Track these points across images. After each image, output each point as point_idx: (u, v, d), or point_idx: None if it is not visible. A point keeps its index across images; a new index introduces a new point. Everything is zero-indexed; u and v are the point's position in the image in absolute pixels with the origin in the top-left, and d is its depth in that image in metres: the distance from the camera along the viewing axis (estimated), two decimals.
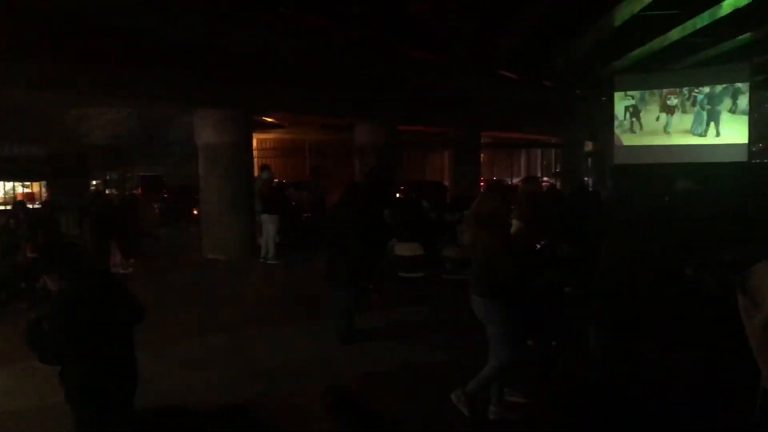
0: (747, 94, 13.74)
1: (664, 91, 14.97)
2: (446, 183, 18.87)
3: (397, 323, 6.52)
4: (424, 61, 14.51)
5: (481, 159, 19.18)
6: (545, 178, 26.00)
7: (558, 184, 21.50)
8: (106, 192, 12.66)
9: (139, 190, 17.33)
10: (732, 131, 13.94)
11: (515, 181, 22.59)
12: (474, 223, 4.29)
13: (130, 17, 8.78)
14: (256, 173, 11.53)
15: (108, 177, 17.77)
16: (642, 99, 15.35)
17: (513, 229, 4.72)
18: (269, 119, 15.94)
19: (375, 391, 4.67)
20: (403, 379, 5.01)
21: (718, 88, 14.25)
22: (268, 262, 10.30)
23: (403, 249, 7.23)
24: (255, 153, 18.25)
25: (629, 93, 15.51)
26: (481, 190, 16.17)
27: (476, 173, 17.30)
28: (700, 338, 4.26)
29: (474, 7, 11.96)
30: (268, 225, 10.40)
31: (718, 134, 14.17)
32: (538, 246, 5.86)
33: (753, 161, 15.80)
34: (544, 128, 20.51)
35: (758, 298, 2.58)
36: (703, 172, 11.51)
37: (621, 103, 15.66)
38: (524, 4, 12.08)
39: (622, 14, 13.16)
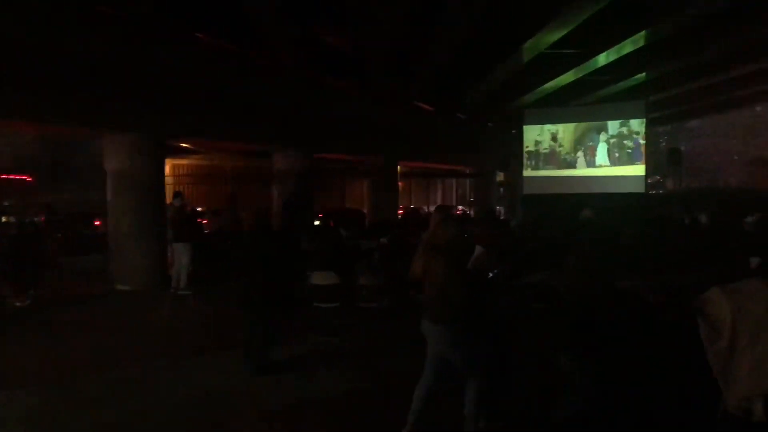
0: (643, 130, 14.66)
1: (571, 125, 15.74)
2: (365, 211, 18.94)
3: (310, 353, 6.39)
4: (341, 90, 14.61)
5: (399, 187, 19.42)
6: (459, 207, 26.65)
7: (471, 213, 22.07)
8: (3, 220, 11.84)
9: (42, 218, 16.28)
10: (630, 164, 14.80)
11: (431, 209, 23.07)
12: (428, 250, 4.27)
13: (26, 33, 8.28)
14: (169, 200, 11.14)
15: (7, 204, 16.64)
16: (547, 132, 16.09)
17: (476, 254, 4.66)
18: (185, 145, 15.48)
19: (291, 423, 4.52)
20: (315, 410, 4.89)
21: (617, 123, 15.13)
22: (180, 292, 9.88)
23: (319, 278, 7.11)
24: (170, 179, 17.83)
25: (537, 126, 16.22)
26: (399, 217, 16.35)
27: (394, 201, 17.48)
28: (660, 360, 4.31)
29: (387, 41, 12.18)
30: (181, 254, 10.01)
31: (615, 168, 15.01)
32: (491, 274, 5.93)
33: (650, 192, 16.84)
34: (459, 159, 21.10)
35: (718, 324, 2.73)
36: (606, 202, 12.14)
37: (530, 135, 16.31)
38: (435, 41, 12.41)
39: (529, 52, 13.76)
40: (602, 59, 14.94)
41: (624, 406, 4.09)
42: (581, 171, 15.56)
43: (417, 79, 15.10)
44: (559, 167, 15.93)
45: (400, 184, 20.02)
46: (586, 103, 18.08)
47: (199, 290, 9.89)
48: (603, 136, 15.26)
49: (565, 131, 15.89)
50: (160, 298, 9.59)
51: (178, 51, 10.51)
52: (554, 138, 15.96)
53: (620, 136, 14.98)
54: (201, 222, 12.44)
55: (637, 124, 14.81)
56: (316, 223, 14.49)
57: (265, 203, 14.15)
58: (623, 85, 17.26)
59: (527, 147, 16.34)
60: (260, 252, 5.67)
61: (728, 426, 2.78)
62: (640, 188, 14.52)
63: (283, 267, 5.77)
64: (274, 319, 5.83)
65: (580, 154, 15.59)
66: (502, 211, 22.23)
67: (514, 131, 21.58)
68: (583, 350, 3.98)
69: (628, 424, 4.13)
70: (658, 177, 37.83)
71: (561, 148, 15.91)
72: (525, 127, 16.37)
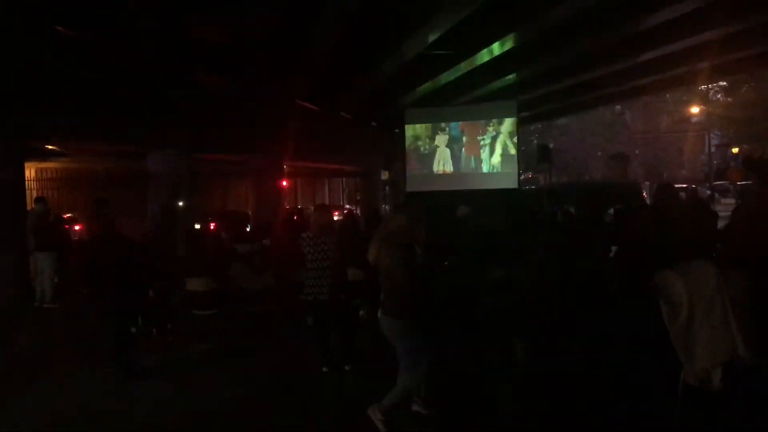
0: (514, 128, 15.35)
1: (450, 124, 16.21)
2: (250, 213, 18.46)
3: (182, 362, 6.12)
4: (219, 87, 14.14)
5: (285, 187, 19.13)
6: (347, 206, 26.76)
7: (358, 211, 22.20)
8: None
9: None
10: (503, 162, 15.46)
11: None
12: (380, 240, 4.27)
13: None
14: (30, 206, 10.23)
15: None
16: (429, 131, 16.46)
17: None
18: (50, 147, 14.29)
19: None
20: (185, 419, 4.65)
21: (492, 122, 15.76)
22: (45, 306, 9.09)
23: (195, 284, 6.79)
24: (33, 184, 16.40)
25: (417, 125, 16.54)
26: (284, 216, 16.06)
27: (278, 202, 17.17)
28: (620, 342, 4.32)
29: (265, 37, 11.92)
30: (44, 264, 9.21)
31: (491, 165, 15.63)
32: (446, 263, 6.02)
33: (522, 188, 17.69)
34: (345, 158, 21.13)
35: (676, 304, 2.97)
36: (483, 198, 12.60)
37: (411, 134, 16.60)
38: (314, 39, 12.32)
39: (408, 52, 14.03)
40: (477, 60, 15.53)
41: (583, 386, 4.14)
42: (459, 168, 16.05)
43: (298, 78, 14.94)
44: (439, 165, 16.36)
45: (285, 183, 19.72)
46: (464, 103, 18.69)
47: (68, 303, 9.14)
48: (479, 134, 15.81)
49: (442, 131, 16.34)
50: (22, 312, 8.79)
51: (36, 45, 9.63)
52: (433, 137, 16.36)
53: (493, 135, 15.60)
54: (68, 229, 11.56)
55: (510, 123, 15.47)
56: (197, 226, 13.95)
57: (140, 207, 13.41)
58: (496, 85, 18.03)
59: (409, 146, 16.61)
60: (109, 259, 5.41)
61: (690, 398, 3.00)
62: (514, 184, 15.20)
63: (136, 274, 5.53)
64: (128, 328, 5.57)
65: (456, 152, 16.08)
66: (388, 209, 22.55)
67: (396, 130, 21.93)
68: (543, 337, 4.03)
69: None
70: (530, 173, 40.06)
71: (439, 147, 16.35)
72: (407, 126, 16.61)
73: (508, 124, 15.41)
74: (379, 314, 4.28)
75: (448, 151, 16.15)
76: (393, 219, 4.43)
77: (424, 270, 4.41)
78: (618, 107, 38.86)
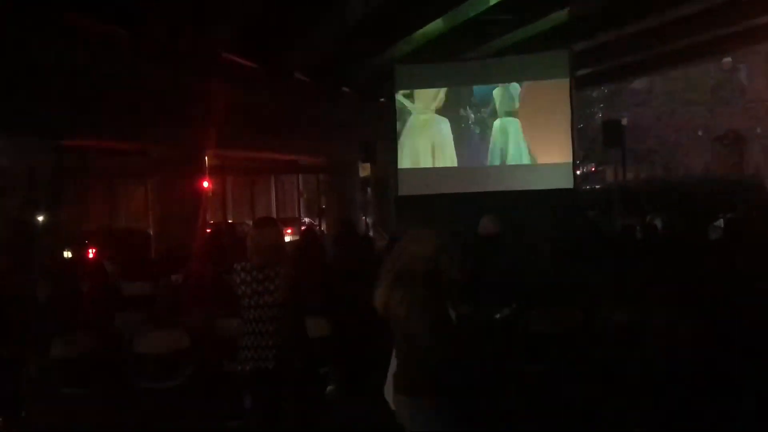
0: (567, 95, 15.41)
1: (466, 89, 16.27)
2: (151, 231, 18.36)
3: None
4: (103, 39, 14.14)
5: (208, 191, 19.02)
6: (305, 219, 26.73)
7: (323, 227, 22.18)
8: None
9: None
10: (550, 147, 15.52)
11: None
12: (389, 277, 4.29)
13: None
14: None
15: None
16: (433, 100, 16.50)
17: None
18: None
19: None
20: None
21: (531, 85, 15.82)
22: None
23: (61, 347, 6.70)
24: None
25: (417, 92, 16.57)
26: (206, 236, 15.97)
27: (196, 214, 17.06)
28: None
29: None
30: None
31: (530, 154, 15.69)
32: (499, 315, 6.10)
33: (581, 188, 17.79)
34: (300, 144, 21.09)
35: None
36: (516, 205, 12.65)
37: (406, 106, 16.61)
38: None
39: None
40: None
41: None
42: (479, 160, 16.11)
43: (222, 21, 14.93)
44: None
45: (207, 185, 19.62)
46: (484, 57, 18.75)
47: None
48: (510, 105, 15.87)
49: (455, 98, 16.36)
50: None
51: None
52: (439, 109, 16.39)
53: (536, 103, 15.66)
54: None
55: (560, 86, 15.53)
56: (67, 254, 13.87)
57: None
58: (535, 28, 18.10)
59: (402, 124, 16.62)
60: None
61: None
62: (568, 182, 15.27)
63: None
64: None
65: (477, 133, 16.13)
66: (371, 223, 22.50)
67: (381, 100, 21.90)
68: None
69: None
70: (592, 165, 40.22)
71: (450, 126, 16.37)
72: (398, 95, 16.63)
73: (556, 88, 15.48)
74: (387, 392, 4.30)
75: (464, 132, 16.21)
76: (413, 243, 4.37)
77: (462, 324, 4.42)
78: (728, 60, 38.93)
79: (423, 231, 4.45)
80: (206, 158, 18.18)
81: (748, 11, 19.34)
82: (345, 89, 22.37)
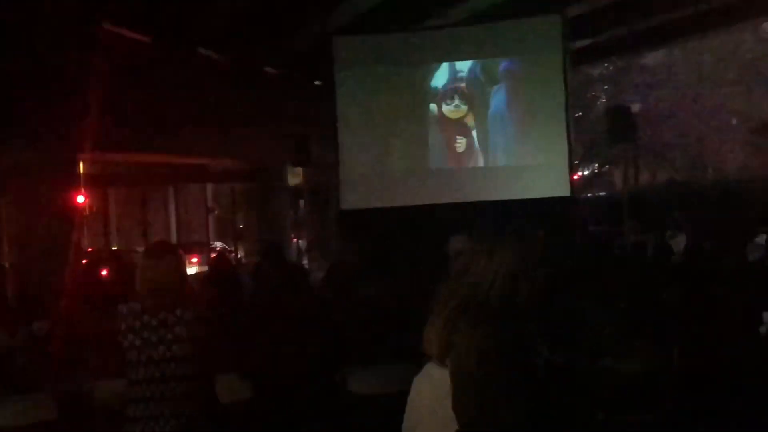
0: (561, 73, 15.51)
1: (430, 66, 16.31)
2: (7, 263, 18.11)
3: None
4: None
5: (82, 208, 18.83)
6: (216, 243, 26.53)
7: (241, 254, 22.02)
8: None
9: None
10: (539, 143, 15.61)
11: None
12: (446, 312, 4.02)
13: None
14: None
15: None
16: (385, 81, 16.52)
17: None
18: None
19: None
20: None
21: (516, 61, 15.91)
22: None
23: None
24: None
25: (363, 71, 16.58)
26: (81, 269, 15.79)
27: (66, 237, 16.88)
28: None
29: None
30: None
31: (514, 152, 15.77)
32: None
33: (580, 196, 17.86)
34: (208, 143, 20.93)
35: None
36: (497, 220, 12.68)
37: (351, 90, 16.60)
38: None
39: None
40: None
41: None
42: (450, 161, 16.15)
43: None
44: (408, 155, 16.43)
45: (83, 199, 19.43)
46: (452, 24, 18.81)
47: None
48: (487, 88, 15.94)
49: (415, 80, 16.40)
50: None
51: None
52: (394, 94, 16.41)
53: (519, 86, 15.75)
54: None
55: (552, 63, 15.63)
56: None
57: None
58: None
59: (345, 114, 16.62)
60: None
61: None
62: (562, 188, 15.34)
63: None
64: None
65: (445, 126, 16.17)
66: (304, 246, 22.43)
67: (317, 83, 21.87)
68: None
69: None
70: (595, 165, 40.46)
71: (407, 117, 16.40)
72: (340, 76, 16.63)
73: (546, 65, 15.60)
74: None
75: (428, 125, 16.26)
76: (483, 257, 4.22)
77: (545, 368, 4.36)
78: (767, 24, 38.91)
79: (495, 238, 4.26)
80: (81, 164, 18.00)
81: None
82: (268, 69, 22.32)
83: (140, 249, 25.05)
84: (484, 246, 4.11)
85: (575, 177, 17.11)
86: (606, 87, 42.72)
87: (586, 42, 24.31)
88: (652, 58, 40.53)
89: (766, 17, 32.86)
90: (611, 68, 40.87)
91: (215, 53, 20.33)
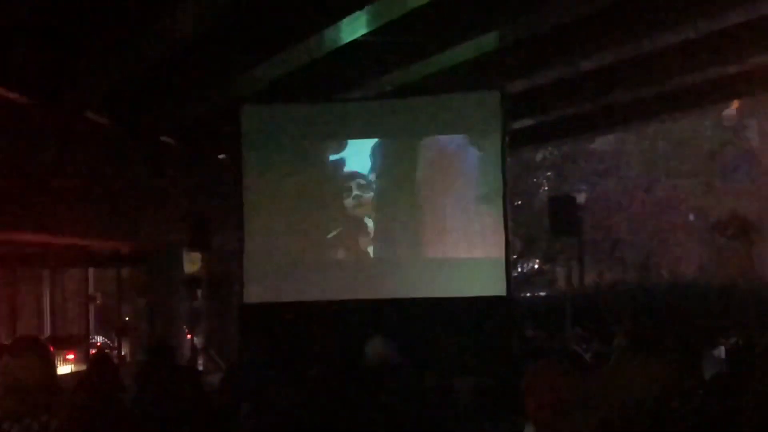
0: (498, 158, 15.61)
1: (348, 144, 16.37)
2: None
3: None
4: None
5: None
6: (98, 338, 26.15)
7: (125, 352, 21.76)
8: None
9: None
10: (472, 234, 15.68)
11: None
12: None
13: None
14: None
15: None
16: (300, 158, 16.53)
17: None
18: None
19: None
20: None
21: (453, 142, 16.02)
22: None
23: None
24: None
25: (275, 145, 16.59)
26: None
27: None
28: None
29: None
30: None
31: (444, 243, 15.82)
32: None
33: (518, 296, 17.84)
34: (90, 221, 20.74)
35: None
36: (422, 321, 12.71)
37: (260, 166, 16.56)
38: None
39: None
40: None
41: None
42: (376, 247, 16.18)
43: None
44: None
45: None
46: (377, 96, 18.93)
47: None
48: (411, 169, 16.01)
49: (332, 155, 16.45)
50: None
51: None
52: (312, 171, 16.45)
53: (450, 169, 15.85)
54: None
55: (491, 145, 15.73)
56: None
57: None
58: (452, 57, 18.36)
59: (253, 193, 16.58)
60: None
61: None
62: (498, 287, 15.38)
63: None
64: None
65: (363, 208, 16.19)
66: (199, 344, 22.24)
67: (222, 156, 21.84)
68: None
69: None
70: (536, 262, 40.73)
71: (325, 199, 16.43)
72: (247, 149, 16.61)
73: (482, 146, 15.74)
74: None
75: (343, 207, 16.28)
76: (626, 372, 4.16)
77: None
78: (731, 112, 38.18)
79: (633, 349, 4.15)
80: None
81: (760, 42, 19.67)
82: (165, 139, 22.25)
83: (7, 342, 24.71)
84: (622, 363, 4.11)
85: (514, 273, 17.21)
86: (549, 174, 43.10)
87: (528, 122, 24.58)
88: (602, 143, 41.08)
89: (728, 103, 33.25)
90: (556, 153, 41.33)
91: (104, 117, 20.16)
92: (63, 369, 20.49)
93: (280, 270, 16.26)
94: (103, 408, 6.65)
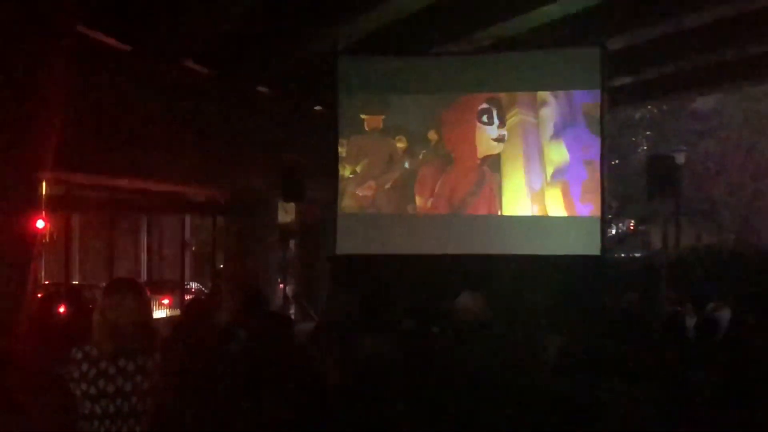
0: (596, 116, 15.46)
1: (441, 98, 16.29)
2: None
3: None
4: None
5: (43, 233, 18.75)
6: (192, 284, 26.37)
7: (218, 298, 21.92)
8: None
9: None
10: (567, 192, 15.53)
11: None
12: None
13: None
14: None
15: None
16: (398, 112, 16.48)
17: None
18: None
19: None
20: None
21: (547, 98, 15.85)
22: None
23: None
24: None
25: (370, 98, 16.56)
26: (36, 305, 15.68)
27: (21, 268, 16.80)
28: None
29: None
30: None
31: (536, 202, 15.71)
32: None
33: (609, 256, 17.64)
34: (187, 170, 20.80)
35: None
36: (514, 278, 12.65)
37: (356, 116, 16.53)
38: None
39: None
40: None
41: None
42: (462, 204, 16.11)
43: None
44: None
45: (43, 225, 19.41)
46: (476, 51, 18.82)
47: None
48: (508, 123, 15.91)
49: (428, 111, 16.37)
50: None
51: None
52: (405, 127, 16.39)
53: (548, 124, 15.70)
54: None
55: (588, 103, 15.57)
56: None
57: None
58: (549, 13, 18.17)
59: (348, 143, 16.57)
60: None
61: None
62: (592, 246, 15.26)
63: None
64: None
65: (458, 167, 16.10)
66: (290, 293, 22.33)
67: (318, 108, 21.86)
68: None
69: None
70: (630, 222, 40.25)
71: (421, 153, 16.37)
72: (343, 100, 16.58)
73: (580, 103, 15.59)
74: None
75: (439, 164, 16.21)
76: None
77: None
78: None
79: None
80: (43, 184, 17.94)
81: None
82: (261, 89, 22.28)
83: (103, 284, 24.98)
84: None
85: (610, 234, 17.06)
86: (648, 133, 42.52)
87: (628, 80, 24.29)
88: (702, 102, 40.32)
89: None
90: (655, 111, 40.73)
91: (201, 67, 20.23)
92: (158, 313, 20.73)
93: (373, 222, 16.24)
94: (196, 350, 6.69)
